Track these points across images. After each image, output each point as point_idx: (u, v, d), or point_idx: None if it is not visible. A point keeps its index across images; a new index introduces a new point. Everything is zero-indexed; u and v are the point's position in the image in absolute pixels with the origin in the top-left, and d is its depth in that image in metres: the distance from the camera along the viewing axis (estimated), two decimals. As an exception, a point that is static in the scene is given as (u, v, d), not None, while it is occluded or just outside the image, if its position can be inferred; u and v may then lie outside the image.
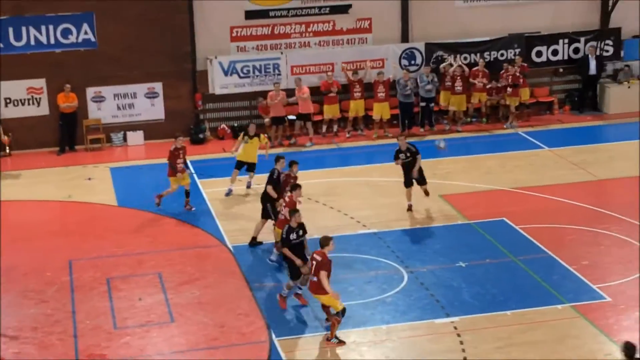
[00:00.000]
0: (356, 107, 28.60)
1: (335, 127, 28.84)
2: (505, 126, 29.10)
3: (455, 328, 16.18)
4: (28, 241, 20.87)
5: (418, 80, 28.64)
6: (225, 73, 28.69)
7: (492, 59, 29.89)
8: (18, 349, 15.91)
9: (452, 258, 19.15)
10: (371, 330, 16.25)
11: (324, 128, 28.78)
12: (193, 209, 22.55)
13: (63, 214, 23.20)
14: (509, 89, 29.03)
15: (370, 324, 16.39)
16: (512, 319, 16.54)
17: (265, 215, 20.04)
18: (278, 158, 20.42)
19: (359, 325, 16.47)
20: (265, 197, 20.10)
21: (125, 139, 28.61)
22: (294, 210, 17.64)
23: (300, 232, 17.38)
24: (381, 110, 28.38)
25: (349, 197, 22.94)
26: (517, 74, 28.98)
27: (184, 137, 27.01)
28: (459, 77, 28.77)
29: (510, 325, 16.29)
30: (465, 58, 29.62)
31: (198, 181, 24.69)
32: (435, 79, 28.74)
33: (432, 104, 28.88)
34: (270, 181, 20.10)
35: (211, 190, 23.97)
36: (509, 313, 16.73)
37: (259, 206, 20.13)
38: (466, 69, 28.90)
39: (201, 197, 23.51)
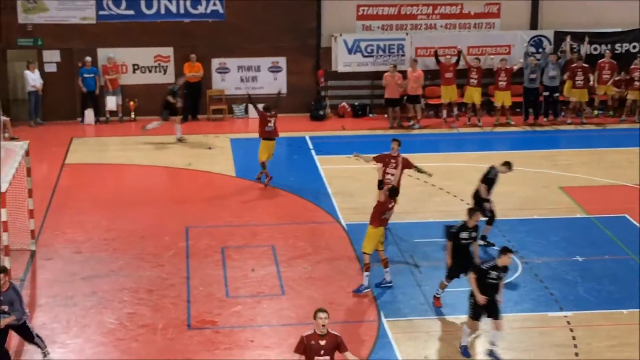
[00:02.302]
0: (471, 93, 28.23)
1: (455, 111, 28.53)
2: (635, 120, 28.35)
3: (568, 323, 15.86)
4: (148, 206, 21.33)
5: (545, 67, 28.10)
6: (349, 51, 28.70)
7: (623, 51, 29.13)
8: (133, 309, 16.27)
9: (569, 251, 18.77)
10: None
11: (444, 113, 28.51)
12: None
13: (182, 181, 23.61)
14: (635, 83, 28.25)
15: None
16: (628, 318, 16.12)
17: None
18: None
19: (465, 312, 16.28)
20: (476, 196, 18.73)
21: (246, 111, 28.94)
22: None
23: (473, 234, 15.93)
24: (502, 98, 27.99)
25: (465, 183, 22.62)
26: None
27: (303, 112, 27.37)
28: (580, 70, 28.10)
29: (625, 324, 15.88)
30: (595, 49, 28.94)
31: (316, 157, 24.79)
32: (560, 67, 28.14)
33: (557, 94, 28.31)
34: (484, 180, 18.80)
35: (328, 167, 24.05)
36: (624, 312, 16.31)
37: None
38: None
39: (318, 173, 23.60)
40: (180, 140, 26.14)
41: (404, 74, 27.91)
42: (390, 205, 16.85)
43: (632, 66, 28.52)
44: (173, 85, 26.45)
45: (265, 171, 22.45)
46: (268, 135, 22.43)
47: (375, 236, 16.75)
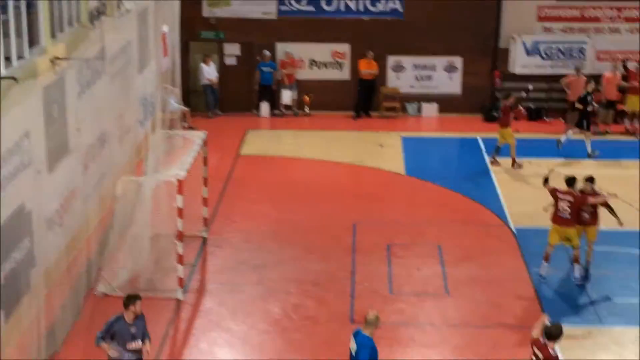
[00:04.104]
0: (633, 101, 27.09)
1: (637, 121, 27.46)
2: None
3: None
4: (317, 199, 21.58)
5: None
6: (528, 52, 28.22)
7: None
8: (298, 300, 16.52)
9: None
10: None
11: (626, 122, 27.52)
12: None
13: (353, 177, 23.76)
14: None
15: (653, 326, 15.65)
16: None
17: None
18: None
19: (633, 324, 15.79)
20: None
21: (419, 110, 28.87)
22: None
23: None
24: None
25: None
26: None
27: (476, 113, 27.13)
28: None
29: None
30: None
31: (487, 159, 24.50)
32: None
33: None
34: None
35: (499, 169, 23.72)
36: None
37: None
38: None
39: (489, 175, 23.32)
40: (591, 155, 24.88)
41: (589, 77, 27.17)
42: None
43: None
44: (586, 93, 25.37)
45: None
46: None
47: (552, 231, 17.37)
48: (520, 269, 17.91)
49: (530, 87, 26.21)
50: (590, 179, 17.49)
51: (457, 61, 28.74)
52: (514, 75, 28.46)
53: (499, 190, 22.23)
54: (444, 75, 28.87)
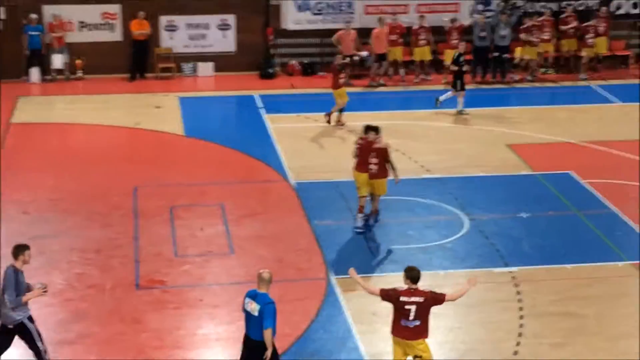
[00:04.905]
0: (421, 52, 28.33)
1: (402, 71, 28.57)
2: (580, 77, 28.64)
3: (513, 278, 16.13)
4: (96, 165, 21.20)
5: (495, 27, 28.18)
6: (299, 9, 28.59)
7: (572, 9, 29.31)
8: (81, 269, 16.25)
9: (514, 208, 19.03)
10: (429, 275, 16.18)
11: (391, 70, 28.58)
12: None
13: (131, 140, 23.50)
14: (589, 41, 28.53)
15: (428, 268, 16.33)
16: (571, 272, 16.44)
17: None
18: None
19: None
20: None
21: (195, 69, 28.76)
22: None
23: None
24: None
25: (413, 141, 22.82)
26: (600, 25, 28.38)
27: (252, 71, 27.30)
28: (534, 29, 28.22)
29: (569, 279, 16.19)
30: (542, 7, 29.13)
31: (265, 116, 24.78)
32: (510, 26, 28.26)
33: (506, 54, 28.42)
34: None
35: (277, 125, 24.05)
36: (568, 267, 16.62)
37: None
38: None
39: (267, 132, 23.61)
40: (460, 112, 25.21)
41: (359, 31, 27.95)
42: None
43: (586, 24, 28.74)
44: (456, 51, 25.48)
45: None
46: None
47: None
48: (302, 223, 18.30)
49: (365, 53, 26.78)
50: (374, 128, 17.94)
51: (231, 19, 28.76)
52: (286, 31, 28.79)
53: (277, 147, 22.55)
54: (218, 33, 28.84)
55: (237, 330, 14.40)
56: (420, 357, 12.11)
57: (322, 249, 17.13)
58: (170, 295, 15.48)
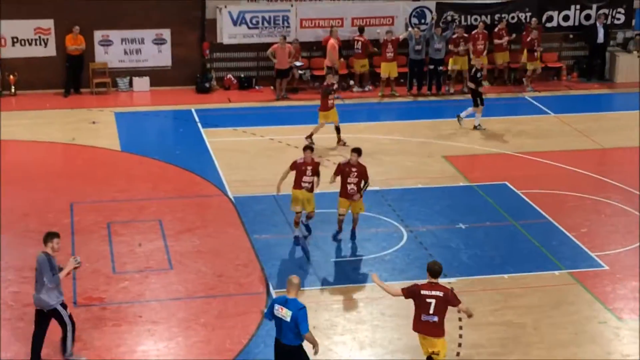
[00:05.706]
0: (359, 64, 28.56)
1: (342, 84, 28.71)
2: (527, 90, 29.03)
3: (452, 289, 16.21)
4: (30, 182, 20.92)
5: (430, 40, 28.46)
6: (234, 23, 28.54)
7: (504, 22, 29.70)
8: (18, 288, 16.01)
9: (452, 219, 19.20)
10: (368, 287, 16.33)
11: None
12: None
13: (66, 156, 23.24)
14: (536, 53, 28.93)
15: (368, 280, 16.46)
16: (509, 282, 16.63)
17: None
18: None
19: (356, 282, 16.60)
20: None
21: (131, 84, 28.54)
22: None
23: None
24: (389, 69, 28.26)
25: (347, 153, 22.82)
26: (534, 38, 28.82)
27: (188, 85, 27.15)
28: (461, 40, 28.57)
29: (507, 289, 16.38)
30: (475, 19, 29.50)
31: (202, 130, 24.70)
32: (445, 39, 28.57)
33: (441, 67, 28.72)
34: None
35: (214, 139, 23.98)
36: (506, 276, 16.82)
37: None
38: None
39: (204, 146, 23.52)
40: (476, 128, 25.13)
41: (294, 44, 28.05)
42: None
43: (524, 35, 29.10)
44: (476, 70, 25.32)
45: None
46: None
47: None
48: (241, 237, 18.25)
49: (299, 63, 27.10)
50: (356, 150, 18.05)
51: (166, 33, 28.62)
52: (222, 45, 28.74)
53: (215, 161, 22.47)
54: (154, 48, 28.67)
55: (177, 346, 14.37)
56: (438, 353, 12.75)
57: (261, 263, 17.10)
58: (109, 312, 15.32)
